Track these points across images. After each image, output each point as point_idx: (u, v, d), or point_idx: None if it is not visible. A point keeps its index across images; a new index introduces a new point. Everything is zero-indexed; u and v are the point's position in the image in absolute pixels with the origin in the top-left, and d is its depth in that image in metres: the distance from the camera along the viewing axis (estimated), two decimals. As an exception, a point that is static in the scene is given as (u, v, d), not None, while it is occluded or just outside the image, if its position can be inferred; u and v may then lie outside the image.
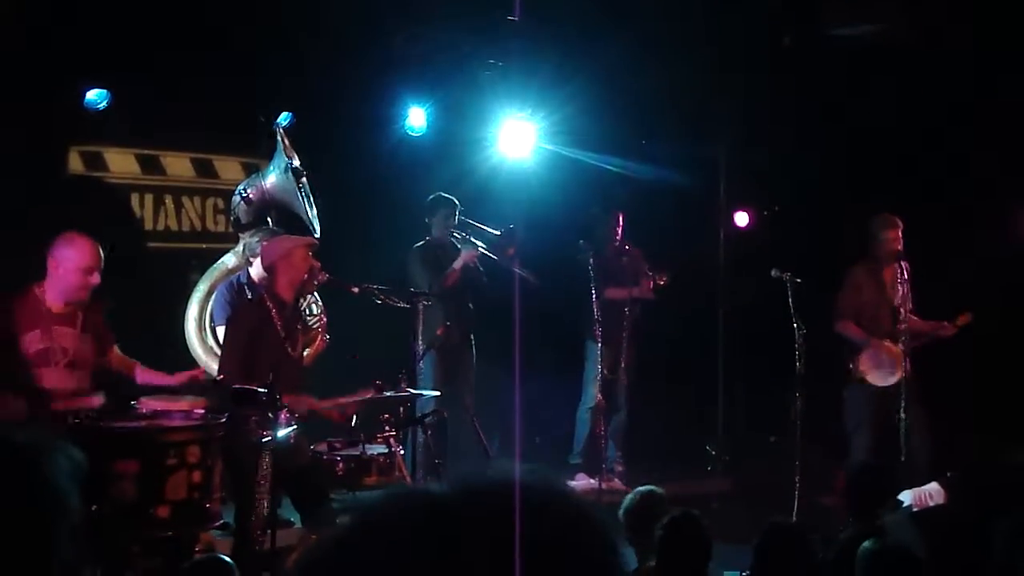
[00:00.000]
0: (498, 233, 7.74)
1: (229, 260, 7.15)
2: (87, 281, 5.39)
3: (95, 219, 5.63)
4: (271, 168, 7.22)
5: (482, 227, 7.76)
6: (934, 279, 7.69)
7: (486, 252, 7.68)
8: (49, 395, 5.33)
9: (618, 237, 8.44)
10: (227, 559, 4.31)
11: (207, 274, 7.13)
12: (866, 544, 3.91)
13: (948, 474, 5.06)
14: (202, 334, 6.93)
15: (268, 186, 7.17)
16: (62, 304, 5.41)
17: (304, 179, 7.12)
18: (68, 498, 1.42)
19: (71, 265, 5.37)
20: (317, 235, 6.91)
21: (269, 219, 7.15)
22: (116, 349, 5.74)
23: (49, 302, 5.38)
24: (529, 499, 1.03)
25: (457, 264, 7.61)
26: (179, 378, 5.76)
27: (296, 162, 7.12)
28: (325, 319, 6.61)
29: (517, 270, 7.47)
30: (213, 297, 6.92)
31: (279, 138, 7.16)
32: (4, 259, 6.21)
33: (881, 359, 7.45)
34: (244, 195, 7.15)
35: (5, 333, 5.30)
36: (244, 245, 6.89)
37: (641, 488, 5.01)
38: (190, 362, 6.69)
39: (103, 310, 5.65)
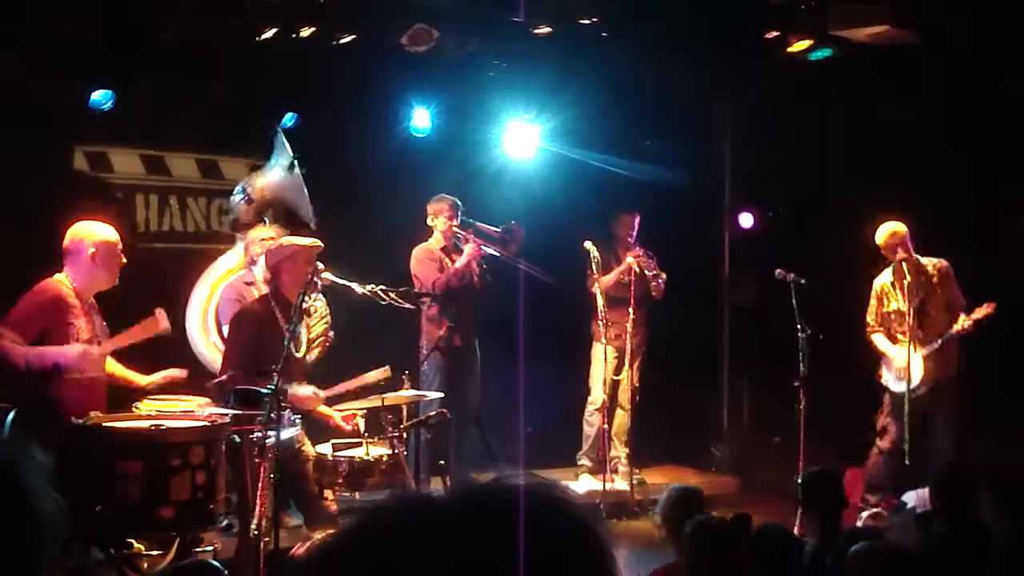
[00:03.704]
0: (499, 230, 7.73)
1: (229, 260, 7.15)
2: (122, 261, 5.48)
3: (100, 219, 5.62)
4: (272, 166, 7.21)
5: (485, 226, 7.76)
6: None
7: (489, 250, 7.68)
8: (97, 384, 5.40)
9: (632, 238, 8.45)
10: (216, 564, 4.29)
11: (206, 275, 7.12)
12: (858, 545, 3.88)
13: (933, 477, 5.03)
14: (207, 334, 6.93)
15: (272, 184, 7.17)
16: (91, 293, 5.46)
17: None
18: (47, 504, 1.38)
19: (113, 248, 5.44)
20: (312, 227, 6.93)
21: (266, 218, 7.15)
22: None
23: (79, 292, 5.39)
24: (529, 507, 1.04)
25: (461, 262, 7.59)
26: (154, 379, 5.72)
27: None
28: (330, 318, 6.61)
29: (524, 267, 7.46)
30: (217, 297, 6.92)
31: (280, 136, 7.15)
32: (9, 258, 6.23)
33: (892, 368, 7.51)
34: (245, 195, 7.15)
35: (60, 321, 5.29)
36: (246, 245, 6.89)
37: (677, 485, 4.98)
38: (193, 362, 6.70)
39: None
